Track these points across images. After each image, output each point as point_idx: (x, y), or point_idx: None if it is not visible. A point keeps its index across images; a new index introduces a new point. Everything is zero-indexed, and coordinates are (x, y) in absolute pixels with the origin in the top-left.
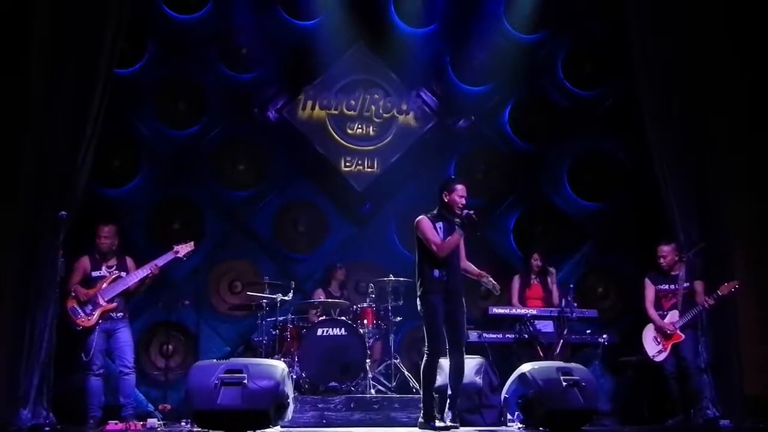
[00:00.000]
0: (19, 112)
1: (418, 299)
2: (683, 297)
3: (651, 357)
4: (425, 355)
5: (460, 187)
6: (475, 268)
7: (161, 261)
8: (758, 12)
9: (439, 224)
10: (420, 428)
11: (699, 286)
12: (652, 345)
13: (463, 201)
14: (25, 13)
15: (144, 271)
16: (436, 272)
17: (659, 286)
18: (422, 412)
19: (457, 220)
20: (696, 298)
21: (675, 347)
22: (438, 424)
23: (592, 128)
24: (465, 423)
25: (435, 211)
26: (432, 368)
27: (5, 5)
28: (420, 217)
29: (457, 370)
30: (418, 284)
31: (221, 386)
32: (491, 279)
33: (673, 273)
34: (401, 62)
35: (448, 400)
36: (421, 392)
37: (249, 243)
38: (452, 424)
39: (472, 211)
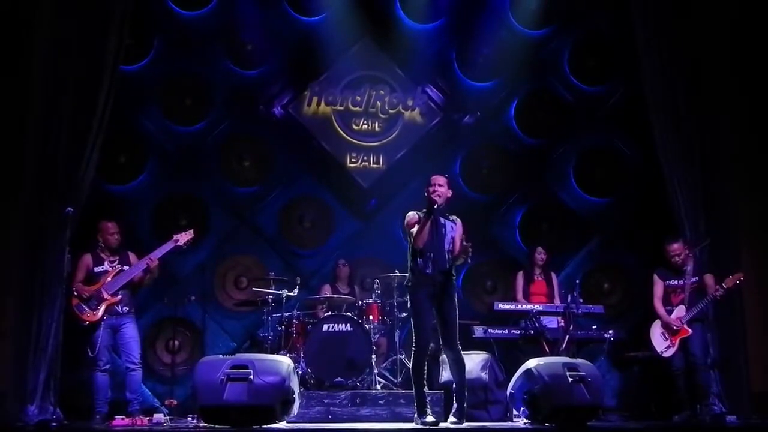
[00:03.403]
0: (26, 108)
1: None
2: (692, 292)
3: (659, 353)
4: (413, 351)
5: (432, 178)
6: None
7: (161, 251)
8: (765, 7)
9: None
10: (415, 423)
11: (709, 279)
12: (659, 341)
13: (432, 189)
14: (31, 8)
15: (144, 263)
16: (421, 264)
17: (668, 282)
18: (416, 407)
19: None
20: (707, 291)
21: (683, 342)
22: (428, 419)
23: (598, 124)
24: (471, 419)
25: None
26: (420, 364)
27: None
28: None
29: (456, 365)
30: (406, 279)
31: (227, 382)
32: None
33: (683, 268)
34: (407, 58)
35: (454, 396)
36: (413, 388)
37: (255, 239)
38: (455, 420)
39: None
